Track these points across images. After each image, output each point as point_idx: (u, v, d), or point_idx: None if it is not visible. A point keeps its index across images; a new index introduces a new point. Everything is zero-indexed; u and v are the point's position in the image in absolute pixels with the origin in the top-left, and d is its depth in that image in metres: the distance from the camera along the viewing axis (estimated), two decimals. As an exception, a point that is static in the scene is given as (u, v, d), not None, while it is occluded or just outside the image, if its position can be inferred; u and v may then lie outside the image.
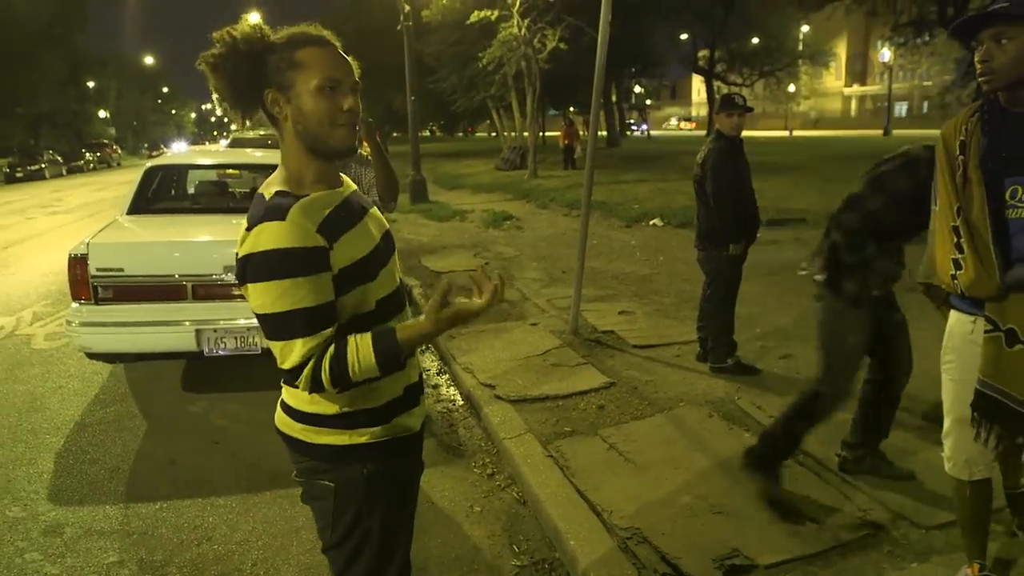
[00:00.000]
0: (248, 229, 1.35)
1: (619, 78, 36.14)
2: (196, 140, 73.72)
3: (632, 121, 57.83)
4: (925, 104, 53.92)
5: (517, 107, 22.29)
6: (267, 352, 4.14)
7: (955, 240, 1.93)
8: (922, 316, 5.09)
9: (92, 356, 4.01)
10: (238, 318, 3.93)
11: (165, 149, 53.47)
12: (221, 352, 3.94)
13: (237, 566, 2.61)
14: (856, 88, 69.02)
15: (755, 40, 45.29)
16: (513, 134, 24.91)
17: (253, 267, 1.34)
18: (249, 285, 1.36)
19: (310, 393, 1.40)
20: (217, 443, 3.67)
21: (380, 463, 1.52)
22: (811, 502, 2.81)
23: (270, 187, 1.43)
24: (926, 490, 2.82)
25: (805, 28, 46.18)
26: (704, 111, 59.65)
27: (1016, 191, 1.86)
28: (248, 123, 1.47)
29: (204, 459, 3.49)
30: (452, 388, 4.46)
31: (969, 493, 2.18)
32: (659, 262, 7.78)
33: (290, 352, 1.34)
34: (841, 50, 61.08)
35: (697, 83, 69.70)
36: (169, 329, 3.85)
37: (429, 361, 4.95)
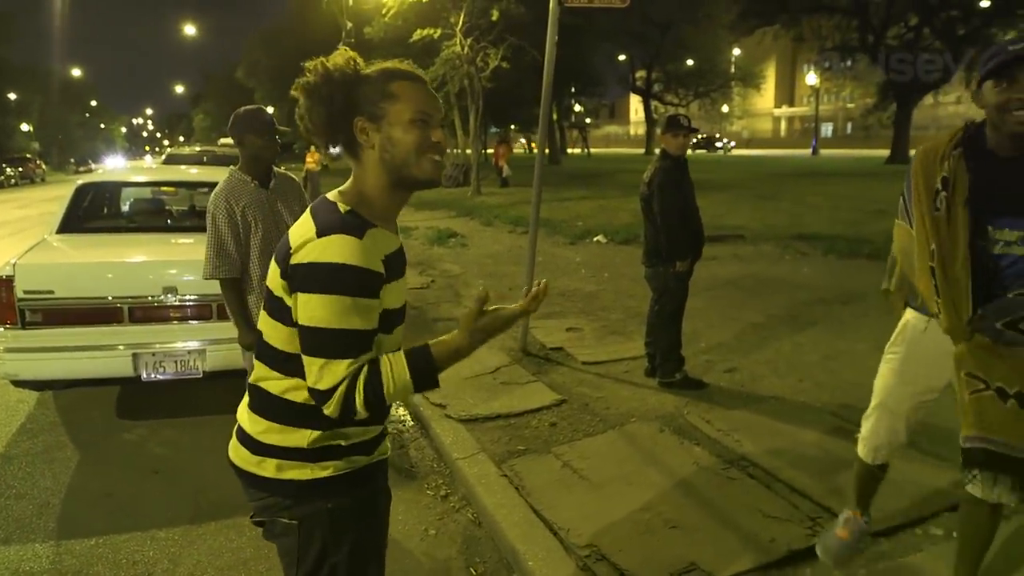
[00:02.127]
0: (319, 235, 1.32)
1: (559, 97, 36.73)
2: (129, 156, 71.22)
3: (718, 137, 55.39)
4: (849, 125, 56.65)
5: (460, 124, 22.36)
6: (209, 376, 3.98)
7: (932, 281, 1.95)
8: (861, 326, 5.29)
9: (19, 384, 3.78)
10: (177, 341, 3.78)
11: (93, 165, 51.42)
12: (160, 377, 3.78)
13: (181, 603, 2.49)
14: (785, 109, 72.06)
15: (690, 62, 46.85)
16: (456, 151, 24.96)
17: (316, 277, 1.30)
18: (303, 295, 1.32)
19: (337, 416, 1.33)
20: (156, 472, 3.50)
21: (344, 496, 1.48)
22: (763, 513, 2.87)
23: (340, 200, 1.41)
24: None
25: (737, 51, 47.99)
26: (642, 130, 60.98)
27: (991, 230, 1.90)
28: (328, 149, 1.51)
29: (142, 490, 3.33)
30: (401, 408, 4.39)
31: (867, 472, 2.46)
32: (604, 279, 7.89)
33: (330, 372, 1.30)
34: (770, 73, 63.64)
35: (635, 102, 71.39)
36: (104, 354, 3.67)
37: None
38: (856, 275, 7.61)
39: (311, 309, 1.31)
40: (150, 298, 3.73)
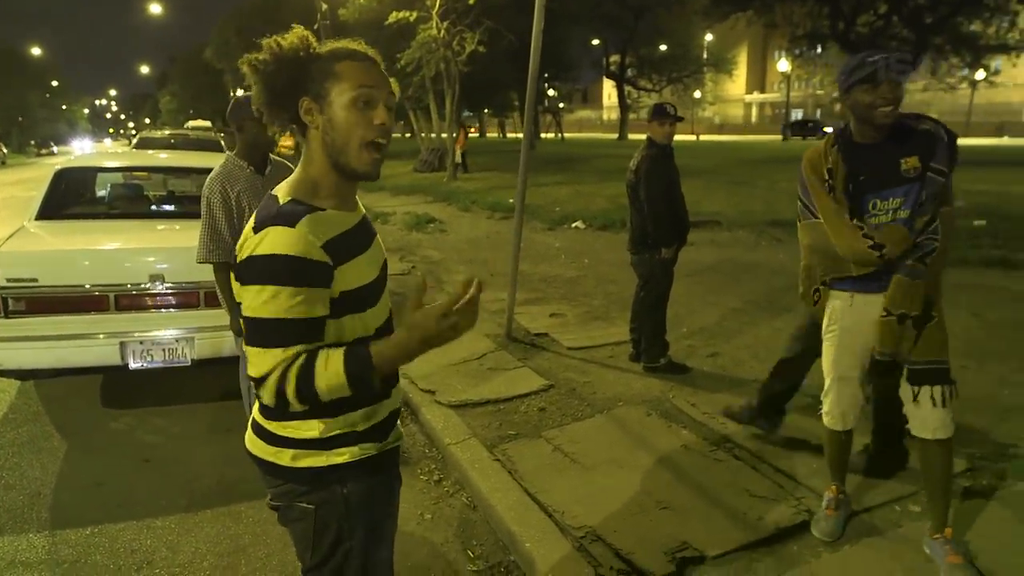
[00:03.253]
0: (255, 230, 1.33)
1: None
2: (93, 138, 69.33)
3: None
4: (818, 111, 57.36)
5: (435, 109, 22.19)
6: (197, 364, 3.96)
7: (864, 230, 2.38)
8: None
9: (2, 374, 3.73)
10: (165, 329, 3.76)
11: (56, 148, 49.96)
12: (148, 365, 3.75)
13: (183, 589, 2.51)
14: (756, 95, 72.65)
15: (663, 47, 46.95)
16: (431, 135, 24.79)
17: (252, 268, 1.32)
18: (243, 287, 1.33)
19: (273, 405, 1.34)
20: (147, 461, 3.49)
21: (359, 482, 1.51)
22: (750, 493, 2.96)
23: (283, 191, 1.40)
24: (850, 480, 3.01)
25: (709, 37, 48.19)
26: (615, 115, 61.10)
27: (876, 203, 2.38)
28: (280, 128, 1.47)
29: (134, 479, 3.32)
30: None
31: (837, 440, 2.70)
32: (584, 264, 7.96)
33: (262, 360, 1.31)
34: (742, 59, 64.07)
35: (608, 87, 71.40)
36: (90, 343, 3.63)
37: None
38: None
39: (248, 299, 1.33)
40: (138, 286, 3.69)
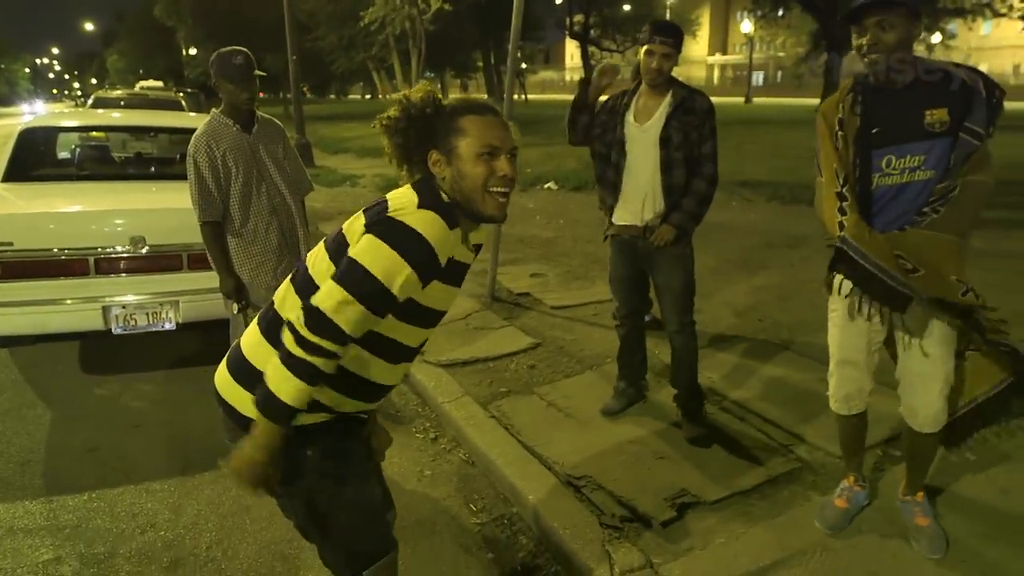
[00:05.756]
0: (419, 207, 1.40)
1: (498, 41, 36.01)
2: (33, 98, 66.23)
3: None
4: (779, 74, 57.72)
5: (400, 69, 21.75)
6: (183, 328, 3.89)
7: (839, 204, 2.20)
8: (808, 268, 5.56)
9: (-20, 340, 3.63)
10: (148, 292, 3.68)
11: None
12: (131, 330, 3.68)
13: (191, 550, 2.51)
14: (719, 57, 72.73)
15: (627, 7, 46.49)
16: (395, 96, 24.31)
17: (392, 229, 1.38)
18: (371, 237, 1.38)
19: (302, 336, 1.35)
20: (138, 426, 3.45)
21: (328, 445, 1.57)
22: (740, 443, 3.07)
23: (444, 191, 1.49)
24: (833, 425, 3.13)
25: (673, -3, 47.88)
26: (578, 76, 60.48)
27: (890, 160, 2.14)
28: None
29: (127, 444, 3.28)
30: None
31: (847, 424, 2.50)
32: (560, 225, 7.98)
33: (334, 297, 1.35)
34: (705, 20, 63.91)
35: (571, 48, 70.65)
36: (71, 307, 3.54)
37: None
38: (799, 220, 7.93)
39: (364, 246, 1.38)
40: (117, 249, 3.60)
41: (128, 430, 3.42)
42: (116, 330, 3.65)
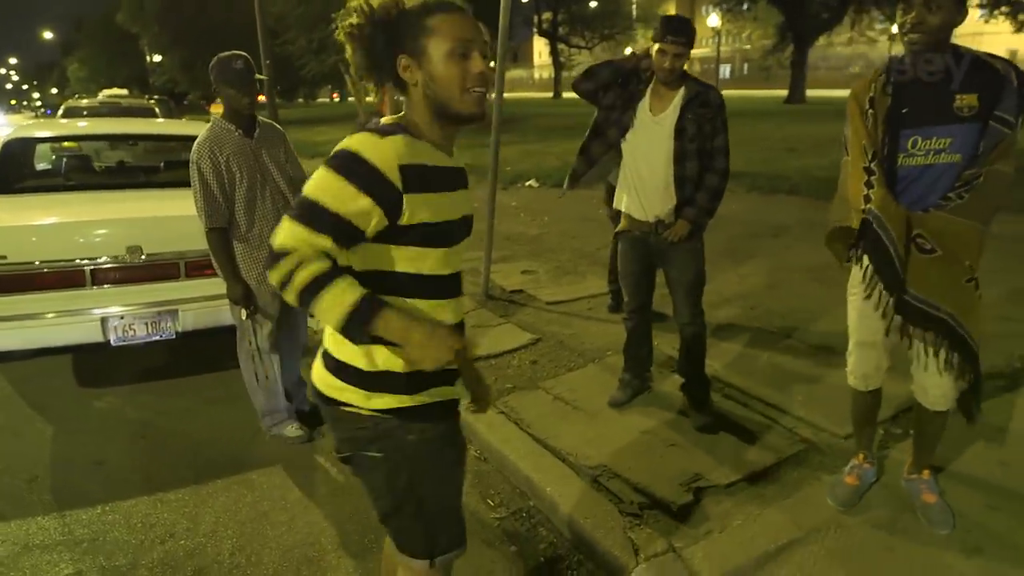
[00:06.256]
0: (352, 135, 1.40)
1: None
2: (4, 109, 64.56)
3: None
4: (746, 66, 58.47)
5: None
6: (183, 337, 3.86)
7: (867, 178, 2.24)
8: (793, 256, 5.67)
9: (-23, 357, 3.55)
10: (147, 302, 3.64)
11: None
12: (130, 341, 3.64)
13: (214, 558, 2.50)
14: (685, 51, 73.18)
15: (594, 3, 46.75)
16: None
17: (332, 158, 1.37)
18: (317, 170, 1.39)
19: (273, 280, 1.33)
20: (143, 438, 3.41)
21: (428, 429, 1.55)
22: (746, 427, 3.14)
23: (390, 118, 1.47)
24: (834, 407, 3.20)
25: (640, -8, 48.24)
26: (547, 73, 60.70)
27: (916, 141, 2.18)
28: (374, 91, 1.44)
29: (134, 456, 3.24)
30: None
31: (862, 400, 2.58)
32: (545, 222, 8.02)
33: (288, 233, 1.33)
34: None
35: (539, 45, 70.79)
36: (69, 319, 3.49)
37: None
38: (779, 210, 8.09)
39: (310, 181, 1.38)
40: (114, 258, 3.56)
41: (134, 442, 3.38)
42: (115, 341, 3.60)
